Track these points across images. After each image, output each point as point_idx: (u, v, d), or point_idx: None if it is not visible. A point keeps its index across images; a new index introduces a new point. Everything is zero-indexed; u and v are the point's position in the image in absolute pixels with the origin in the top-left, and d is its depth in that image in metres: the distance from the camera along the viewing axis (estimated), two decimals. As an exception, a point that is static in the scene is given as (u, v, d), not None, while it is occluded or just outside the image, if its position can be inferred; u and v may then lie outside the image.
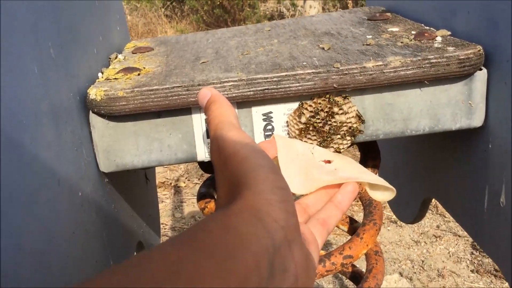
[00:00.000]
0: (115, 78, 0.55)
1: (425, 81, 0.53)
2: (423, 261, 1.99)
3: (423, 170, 0.78)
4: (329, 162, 0.50)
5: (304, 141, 0.53)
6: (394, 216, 2.20)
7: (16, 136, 0.34)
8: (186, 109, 0.53)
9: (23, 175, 0.34)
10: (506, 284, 1.74)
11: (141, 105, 0.51)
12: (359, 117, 0.54)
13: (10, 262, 0.31)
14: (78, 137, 0.49)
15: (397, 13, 0.77)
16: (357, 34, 0.65)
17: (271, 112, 0.54)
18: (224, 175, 0.35)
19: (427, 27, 0.64)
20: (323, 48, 0.59)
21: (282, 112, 0.54)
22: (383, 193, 0.48)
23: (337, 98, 0.53)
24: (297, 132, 0.53)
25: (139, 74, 0.56)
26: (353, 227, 0.82)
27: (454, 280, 1.86)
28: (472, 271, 1.92)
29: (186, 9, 6.93)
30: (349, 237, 0.69)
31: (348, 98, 0.53)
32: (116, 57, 0.67)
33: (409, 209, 0.87)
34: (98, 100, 0.50)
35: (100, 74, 0.59)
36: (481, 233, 0.61)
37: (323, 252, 0.63)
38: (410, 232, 2.18)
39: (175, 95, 0.51)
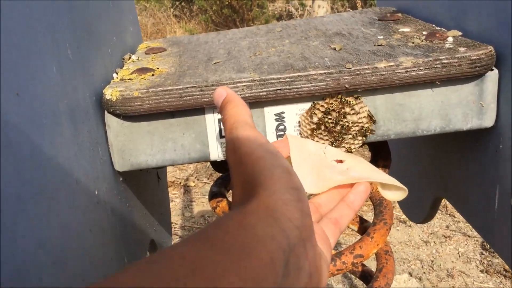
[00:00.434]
0: (129, 79, 0.56)
1: (437, 82, 0.53)
2: (432, 261, 1.99)
3: (433, 170, 0.79)
4: (341, 161, 0.50)
5: (316, 141, 0.54)
6: (403, 216, 2.19)
7: (36, 136, 0.35)
8: (199, 109, 0.54)
9: (43, 173, 0.35)
10: (516, 285, 1.74)
11: (156, 105, 0.51)
12: (370, 117, 0.54)
13: (32, 259, 0.32)
14: (94, 137, 0.49)
15: (408, 14, 0.77)
16: (368, 34, 0.66)
17: (283, 112, 0.55)
18: (239, 174, 0.36)
19: (438, 28, 0.64)
20: (335, 49, 0.60)
21: (294, 112, 0.55)
22: (395, 192, 0.49)
23: (348, 98, 0.53)
24: (309, 132, 0.54)
25: (153, 75, 0.57)
26: (363, 227, 0.83)
27: (463, 280, 1.85)
28: (481, 271, 1.91)
29: (195, 9, 6.95)
30: (359, 236, 0.69)
31: (359, 98, 0.54)
32: (129, 58, 0.68)
33: (419, 209, 0.87)
34: (114, 100, 0.51)
35: (115, 75, 0.59)
36: (492, 233, 0.61)
37: (333, 252, 0.64)
38: (419, 232, 2.18)
39: (189, 95, 0.52)
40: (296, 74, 0.52)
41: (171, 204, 2.41)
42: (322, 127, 0.53)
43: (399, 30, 0.66)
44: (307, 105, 0.54)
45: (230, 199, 0.68)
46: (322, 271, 0.35)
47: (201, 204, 2.46)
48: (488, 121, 0.55)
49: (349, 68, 0.52)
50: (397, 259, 1.98)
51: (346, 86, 0.52)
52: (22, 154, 0.32)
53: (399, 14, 0.75)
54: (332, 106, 0.53)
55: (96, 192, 0.47)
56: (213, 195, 0.70)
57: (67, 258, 0.38)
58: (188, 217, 2.35)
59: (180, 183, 2.68)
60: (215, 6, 6.12)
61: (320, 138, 0.54)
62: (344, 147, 0.55)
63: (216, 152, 0.55)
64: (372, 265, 0.80)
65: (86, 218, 0.43)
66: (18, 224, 0.31)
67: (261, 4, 6.30)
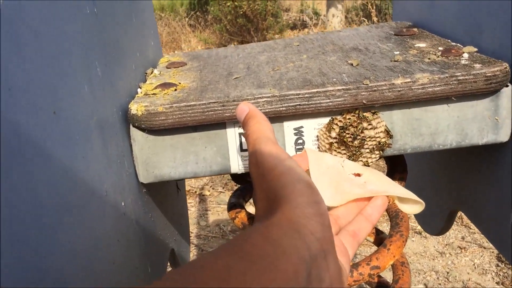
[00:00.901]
0: (153, 94, 0.58)
1: (453, 97, 0.54)
2: (448, 273, 1.98)
3: (449, 183, 0.79)
4: (358, 175, 0.52)
5: (334, 155, 0.55)
6: (418, 227, 2.19)
7: (71, 151, 0.37)
8: (221, 124, 0.56)
9: (76, 186, 0.37)
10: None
11: (179, 120, 0.53)
12: (387, 132, 0.56)
13: (67, 268, 0.34)
14: (121, 150, 0.52)
15: (423, 28, 0.78)
16: (384, 49, 0.67)
17: (302, 127, 0.56)
18: (263, 188, 0.37)
19: (454, 43, 0.66)
20: (352, 64, 0.61)
21: (312, 127, 0.56)
22: (412, 206, 0.50)
23: (366, 114, 0.55)
24: (327, 146, 0.55)
25: (175, 90, 0.59)
26: (379, 238, 0.84)
27: (479, 292, 1.84)
28: (497, 283, 1.89)
29: (209, 19, 7.02)
30: (373, 247, 0.70)
31: (377, 114, 0.55)
32: (151, 72, 0.70)
33: (435, 221, 0.88)
34: (139, 115, 0.53)
35: (139, 90, 0.62)
36: (507, 245, 0.61)
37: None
38: (435, 243, 2.17)
39: (211, 110, 0.54)
40: (315, 90, 0.54)
41: (186, 212, 2.43)
42: (340, 142, 0.55)
43: (415, 46, 0.67)
44: (326, 119, 0.56)
45: (248, 209, 0.70)
46: (341, 282, 0.36)
47: (216, 213, 2.48)
48: (503, 136, 0.56)
49: (367, 84, 0.53)
50: (412, 270, 1.98)
51: (364, 101, 0.53)
52: (59, 169, 0.34)
53: (415, 29, 0.76)
54: (350, 121, 0.54)
55: (123, 204, 0.49)
56: (231, 206, 0.72)
57: (97, 267, 0.40)
58: (204, 226, 2.37)
59: (195, 192, 2.70)
60: (230, 15, 6.17)
61: (338, 152, 0.55)
62: (361, 161, 0.56)
63: (237, 165, 0.57)
64: (387, 276, 0.81)
65: (114, 228, 0.45)
66: (55, 235, 0.33)
67: (275, 13, 6.34)
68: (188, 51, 6.21)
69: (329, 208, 0.48)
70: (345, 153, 0.55)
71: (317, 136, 0.56)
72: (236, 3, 6.04)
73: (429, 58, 0.59)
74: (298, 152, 0.57)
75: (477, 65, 0.54)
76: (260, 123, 0.42)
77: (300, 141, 0.57)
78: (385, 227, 2.05)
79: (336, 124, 0.55)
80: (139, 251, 0.54)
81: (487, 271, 1.96)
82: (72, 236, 0.35)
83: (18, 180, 0.28)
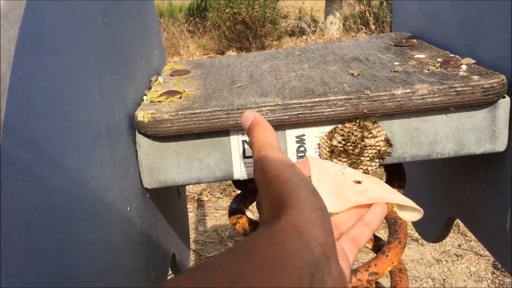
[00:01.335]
0: (159, 101, 0.59)
1: (451, 108, 0.56)
2: (444, 280, 1.99)
3: (447, 191, 0.81)
4: (359, 182, 0.53)
5: (335, 163, 0.57)
6: (415, 234, 2.20)
7: (83, 157, 0.38)
8: (225, 131, 0.57)
9: (88, 192, 0.38)
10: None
11: (185, 127, 0.55)
12: (387, 141, 0.57)
13: (76, 269, 0.35)
14: (127, 156, 0.53)
15: (422, 39, 0.80)
16: (384, 60, 0.69)
17: (303, 135, 0.58)
18: (268, 194, 0.38)
19: (452, 55, 0.67)
20: (353, 74, 0.63)
21: (314, 135, 0.57)
22: (411, 213, 0.51)
23: (366, 123, 0.56)
24: (328, 154, 0.57)
25: (180, 97, 0.61)
26: (378, 245, 0.85)
27: (475, 299, 1.85)
28: (494, 291, 1.90)
29: (208, 25, 7.05)
30: (371, 254, 0.71)
31: (377, 123, 0.56)
32: (156, 80, 0.71)
33: (433, 229, 0.89)
34: (146, 122, 0.54)
35: (145, 97, 0.63)
36: (503, 253, 0.63)
37: (349, 268, 0.66)
38: (431, 251, 2.18)
39: (216, 118, 0.55)
40: (317, 100, 0.55)
41: (184, 218, 2.43)
42: (341, 150, 0.56)
43: (415, 57, 0.68)
44: (327, 128, 0.57)
45: (249, 215, 0.71)
46: (343, 286, 0.37)
47: (214, 218, 2.48)
48: (500, 145, 0.58)
49: (368, 94, 0.55)
50: (409, 277, 1.99)
51: (365, 111, 0.55)
52: (72, 175, 0.35)
53: (414, 40, 0.78)
54: (351, 130, 0.56)
55: (129, 208, 0.50)
56: (232, 212, 0.73)
57: (106, 270, 0.41)
58: (202, 231, 2.38)
59: (194, 197, 2.71)
60: (229, 22, 6.20)
61: (339, 160, 0.57)
62: (361, 168, 0.57)
63: (240, 172, 0.58)
64: (385, 282, 0.82)
65: (120, 232, 0.46)
66: (67, 240, 0.34)
67: (274, 20, 6.37)
68: (186, 56, 6.23)
69: (330, 214, 0.50)
70: (345, 161, 0.57)
71: (319, 144, 0.58)
72: (235, 10, 6.08)
73: (428, 69, 0.61)
74: (299, 160, 0.58)
75: (475, 77, 0.56)
76: (265, 131, 0.43)
77: (302, 148, 0.58)
78: (382, 234, 2.06)
79: (337, 133, 0.56)
80: (143, 255, 0.55)
81: (483, 279, 1.98)
82: (83, 241, 0.36)
83: (34, 187, 0.30)
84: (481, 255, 2.11)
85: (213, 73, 0.74)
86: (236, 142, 0.57)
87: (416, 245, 2.21)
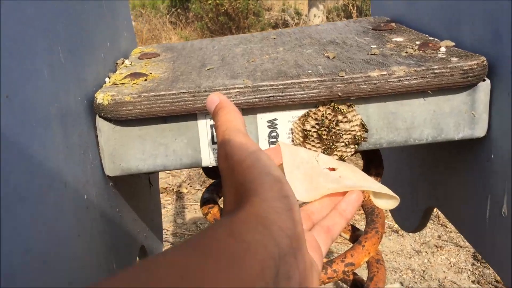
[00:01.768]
0: (122, 83, 0.56)
1: (429, 91, 0.53)
2: (424, 271, 1.99)
3: (425, 179, 0.79)
4: (333, 169, 0.50)
5: (308, 149, 0.54)
6: (395, 226, 2.20)
7: (26, 139, 0.35)
8: (191, 115, 0.54)
9: (32, 177, 0.35)
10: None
11: (148, 110, 0.51)
12: (363, 126, 0.54)
13: (19, 262, 0.32)
14: (85, 141, 0.49)
15: (402, 24, 0.77)
16: (361, 43, 0.66)
17: (275, 119, 0.55)
18: (231, 181, 0.35)
19: (431, 38, 0.65)
20: (328, 57, 0.60)
21: (286, 120, 0.55)
22: (387, 201, 0.49)
23: (341, 106, 0.53)
24: (301, 139, 0.54)
25: (145, 80, 0.57)
26: (355, 235, 0.83)
27: (455, 290, 1.85)
28: (473, 281, 1.91)
29: (191, 16, 6.97)
30: (350, 245, 0.69)
31: (352, 107, 0.54)
32: (122, 63, 0.68)
33: (411, 218, 0.87)
34: (105, 104, 0.51)
35: (107, 79, 0.59)
36: (483, 243, 0.61)
37: (324, 260, 0.63)
38: (411, 242, 2.18)
39: (182, 100, 0.51)
40: (289, 81, 0.52)
41: (163, 210, 2.40)
42: (315, 135, 0.53)
43: (393, 40, 0.66)
44: (300, 112, 0.54)
45: (222, 205, 0.68)
46: (312, 280, 0.35)
47: (194, 211, 2.45)
48: (480, 131, 0.55)
49: (342, 76, 0.52)
50: (388, 268, 1.98)
51: (339, 94, 0.52)
52: (11, 156, 0.32)
53: (393, 24, 0.75)
54: (325, 114, 0.53)
55: (86, 197, 0.47)
56: (204, 201, 0.70)
57: (54, 263, 0.37)
58: (180, 224, 2.34)
59: (173, 189, 2.67)
60: (211, 13, 6.14)
61: (313, 146, 0.54)
62: (336, 155, 0.55)
63: (208, 158, 0.55)
64: (363, 274, 0.80)
65: (74, 223, 0.43)
66: (4, 227, 0.30)
67: (257, 12, 6.33)
68: (168, 48, 6.15)
69: (302, 204, 0.47)
70: (319, 147, 0.54)
71: (291, 129, 0.55)
72: (217, 1, 6.02)
73: (406, 52, 0.58)
74: (271, 146, 0.55)
75: (454, 59, 0.53)
76: (231, 114, 0.40)
77: (274, 134, 0.55)
78: (362, 226, 2.06)
79: (311, 117, 0.53)
80: (104, 247, 0.51)
81: (463, 270, 1.98)
82: (25, 230, 0.33)
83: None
84: (461, 246, 2.12)
85: (184, 56, 0.70)
86: (204, 126, 0.54)
87: (396, 237, 2.21)
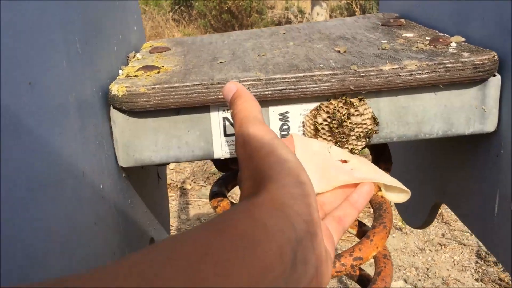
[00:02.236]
0: (135, 75, 0.56)
1: (440, 85, 0.54)
2: (428, 269, 1.99)
3: (433, 174, 0.79)
4: (345, 162, 0.51)
5: (320, 141, 0.54)
6: (399, 223, 2.20)
7: (46, 125, 0.35)
8: (204, 107, 0.54)
9: (51, 163, 0.35)
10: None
11: (162, 102, 0.52)
12: (374, 119, 0.55)
13: (40, 246, 0.32)
14: (100, 132, 0.50)
15: (411, 20, 0.78)
16: (371, 38, 0.66)
17: (287, 112, 0.55)
18: (249, 168, 0.36)
19: (441, 33, 0.65)
20: (339, 51, 0.60)
21: (298, 112, 0.55)
22: (398, 194, 0.49)
23: (353, 100, 0.54)
24: (312, 132, 0.54)
25: (158, 72, 0.58)
26: (362, 231, 0.83)
27: (458, 288, 1.86)
28: (476, 279, 1.91)
29: (194, 14, 6.97)
30: (354, 243, 0.69)
31: (364, 100, 0.54)
32: (134, 56, 0.68)
33: (418, 214, 0.88)
34: (120, 96, 0.51)
35: (120, 71, 0.60)
36: (491, 238, 0.61)
37: (333, 253, 0.64)
38: (415, 240, 2.18)
39: (195, 92, 0.52)
40: (302, 75, 0.52)
41: (167, 206, 2.40)
42: (326, 128, 0.54)
43: (403, 35, 0.66)
44: (312, 105, 0.55)
45: (231, 199, 0.69)
46: (327, 265, 0.35)
47: (197, 206, 2.46)
48: (490, 126, 0.56)
49: (354, 70, 0.52)
50: (393, 265, 1.99)
51: (351, 87, 0.52)
52: (33, 142, 0.33)
53: (402, 20, 0.76)
54: (336, 107, 0.53)
55: (101, 186, 0.47)
56: (214, 195, 0.70)
57: (73, 248, 0.38)
58: (184, 220, 2.35)
59: (177, 185, 2.67)
60: (215, 11, 6.14)
61: (324, 139, 0.54)
62: (347, 148, 0.55)
63: (220, 151, 0.56)
64: (369, 270, 0.81)
65: (91, 211, 0.43)
66: (27, 211, 0.31)
67: (260, 10, 6.33)
68: (172, 45, 6.15)
69: (316, 194, 0.47)
70: (331, 140, 0.54)
71: (303, 122, 0.55)
72: (221, -1, 6.02)
73: (416, 47, 0.59)
74: (283, 138, 0.56)
75: (465, 54, 0.54)
76: (248, 102, 0.41)
77: (286, 126, 0.55)
78: (368, 223, 2.06)
79: (323, 110, 0.54)
80: (118, 236, 0.52)
81: (467, 268, 1.98)
82: (45, 214, 0.33)
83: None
84: (464, 245, 2.12)
85: (194, 50, 0.71)
86: (216, 118, 0.55)
87: (399, 234, 2.21)
